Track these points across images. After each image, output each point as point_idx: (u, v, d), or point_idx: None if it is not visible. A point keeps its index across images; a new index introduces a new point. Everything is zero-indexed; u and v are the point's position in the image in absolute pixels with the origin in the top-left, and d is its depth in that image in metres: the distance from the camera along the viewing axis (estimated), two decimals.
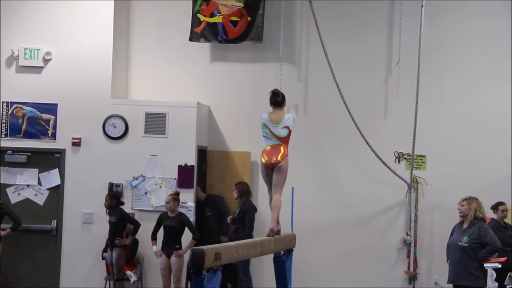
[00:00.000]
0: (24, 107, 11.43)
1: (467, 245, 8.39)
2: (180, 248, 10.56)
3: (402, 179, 11.58)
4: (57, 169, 11.38)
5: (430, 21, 11.52)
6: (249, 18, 11.60)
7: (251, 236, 10.59)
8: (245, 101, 11.98)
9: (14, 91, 11.40)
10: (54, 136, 11.40)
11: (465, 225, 8.59)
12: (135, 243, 10.99)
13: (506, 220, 10.70)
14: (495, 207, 10.64)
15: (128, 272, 10.79)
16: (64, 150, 11.37)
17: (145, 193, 11.23)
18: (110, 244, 10.65)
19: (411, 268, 11.58)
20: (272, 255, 7.68)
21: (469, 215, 8.55)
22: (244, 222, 10.67)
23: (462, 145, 11.64)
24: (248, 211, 10.70)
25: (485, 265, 8.57)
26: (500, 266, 9.16)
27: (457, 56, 11.72)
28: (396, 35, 11.68)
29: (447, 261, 8.90)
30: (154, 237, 10.64)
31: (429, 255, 11.50)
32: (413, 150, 11.42)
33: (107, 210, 10.71)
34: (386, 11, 11.80)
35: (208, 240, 10.54)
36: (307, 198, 11.50)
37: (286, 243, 7.79)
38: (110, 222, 10.68)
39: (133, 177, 11.25)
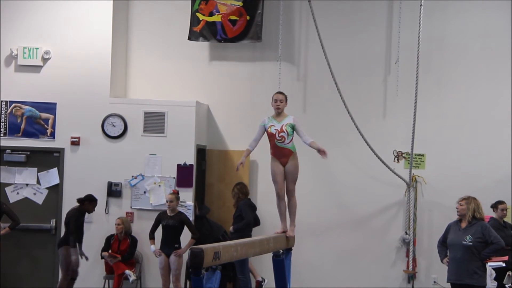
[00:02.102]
0: (23, 106, 11.42)
1: (471, 244, 8.37)
2: (180, 247, 10.56)
3: (401, 178, 11.58)
4: (56, 168, 11.38)
5: (429, 21, 11.52)
6: (248, 17, 11.59)
7: (249, 231, 10.59)
8: (244, 100, 11.98)
9: (13, 90, 11.40)
10: (53, 135, 11.40)
11: (464, 225, 8.57)
12: (134, 242, 10.99)
13: (505, 219, 10.70)
14: (494, 206, 10.64)
15: (127, 271, 10.79)
16: (63, 149, 11.37)
17: (144, 192, 11.23)
18: (76, 242, 10.49)
19: (410, 267, 11.59)
20: (271, 254, 7.68)
21: (467, 215, 8.53)
22: (242, 218, 10.68)
23: (461, 144, 11.64)
24: (242, 207, 10.69)
25: (489, 264, 8.56)
26: (504, 265, 9.16)
27: (457, 55, 11.72)
28: (395, 34, 11.68)
29: (442, 260, 8.85)
30: (152, 236, 10.64)
31: (428, 254, 11.49)
32: (412, 149, 11.43)
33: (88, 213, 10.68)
34: (385, 10, 11.79)
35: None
36: (306, 197, 11.45)
37: (285, 242, 7.79)
38: (82, 223, 10.60)
39: (132, 176, 11.25)
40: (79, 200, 10.48)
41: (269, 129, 7.71)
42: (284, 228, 7.85)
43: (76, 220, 10.40)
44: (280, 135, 7.67)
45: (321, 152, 7.71)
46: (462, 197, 8.71)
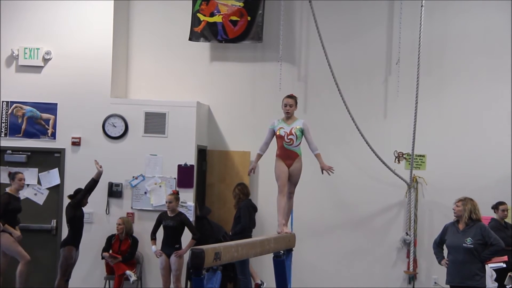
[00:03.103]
0: (24, 107, 11.43)
1: (472, 246, 8.35)
2: (180, 247, 10.57)
3: (402, 178, 11.58)
4: (56, 168, 11.39)
5: (430, 21, 11.53)
6: (249, 18, 11.60)
7: (248, 233, 10.59)
8: (245, 101, 11.98)
9: (14, 91, 11.40)
10: (53, 135, 11.41)
11: (461, 226, 8.54)
12: (135, 242, 10.99)
13: (506, 220, 10.70)
14: (495, 207, 10.65)
15: (128, 272, 10.79)
16: (64, 149, 11.38)
17: (145, 192, 11.23)
18: (78, 243, 10.33)
19: (411, 268, 11.59)
20: (272, 255, 7.68)
21: (463, 216, 8.50)
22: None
23: (461, 145, 11.64)
24: (242, 209, 10.70)
25: (490, 265, 8.53)
26: (505, 266, 9.13)
27: (457, 56, 11.73)
28: (396, 34, 11.68)
29: (440, 262, 8.81)
30: (153, 237, 10.65)
31: (429, 254, 11.42)
32: (412, 149, 11.43)
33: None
34: (386, 11, 11.80)
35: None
36: (307, 197, 11.48)
37: (286, 243, 7.79)
38: (82, 217, 10.40)
39: (133, 177, 11.25)
40: (70, 196, 10.39)
41: (278, 132, 7.80)
42: (281, 222, 7.89)
43: (75, 213, 10.28)
44: (289, 137, 7.77)
45: (325, 170, 7.83)
46: (459, 198, 8.67)
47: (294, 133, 7.78)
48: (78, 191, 10.37)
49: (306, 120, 7.98)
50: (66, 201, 11.04)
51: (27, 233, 11.21)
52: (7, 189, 10.41)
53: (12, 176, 10.38)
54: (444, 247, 8.76)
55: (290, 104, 7.88)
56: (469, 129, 11.66)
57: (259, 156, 7.93)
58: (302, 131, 7.83)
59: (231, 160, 11.78)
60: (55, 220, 11.35)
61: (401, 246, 11.69)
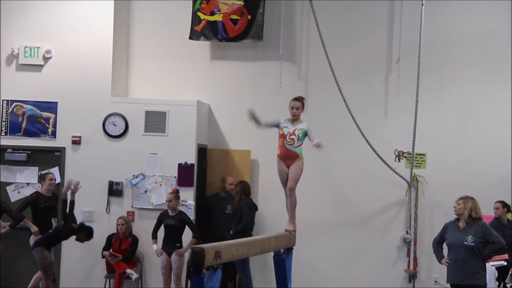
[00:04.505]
0: (24, 105, 11.43)
1: (473, 244, 8.36)
2: (181, 246, 10.57)
3: (402, 177, 11.58)
4: (57, 167, 11.38)
5: (431, 20, 11.53)
6: (249, 17, 11.59)
7: (249, 233, 10.60)
8: (245, 100, 11.96)
9: (14, 89, 11.41)
10: (54, 134, 11.41)
11: (462, 224, 8.55)
12: (135, 241, 10.99)
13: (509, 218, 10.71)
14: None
15: (129, 271, 10.79)
16: (64, 148, 11.38)
17: (145, 191, 11.23)
18: (50, 247, 10.08)
19: (411, 267, 11.59)
20: (272, 254, 7.69)
21: (464, 214, 8.52)
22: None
23: (462, 144, 11.64)
24: (244, 208, 10.71)
25: (491, 263, 8.52)
26: (506, 264, 9.12)
27: (458, 55, 11.72)
28: (396, 33, 11.68)
29: (440, 261, 8.81)
30: (154, 236, 10.66)
31: (429, 253, 11.39)
32: (413, 148, 11.43)
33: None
34: (386, 10, 11.79)
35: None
36: (307, 196, 11.43)
37: (286, 242, 7.80)
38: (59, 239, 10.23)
39: (133, 176, 11.25)
40: (76, 226, 10.00)
41: (281, 130, 7.83)
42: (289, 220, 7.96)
43: (65, 235, 10.04)
44: (290, 137, 7.79)
45: (316, 144, 7.74)
46: (460, 197, 8.70)
47: (296, 134, 7.80)
48: (88, 229, 10.03)
49: (310, 123, 7.94)
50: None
51: (27, 232, 11.19)
52: (39, 189, 10.54)
53: (43, 177, 10.55)
54: (444, 245, 8.78)
55: (297, 107, 7.90)
56: (470, 128, 11.66)
57: (260, 121, 7.98)
58: (305, 134, 7.83)
59: (231, 159, 11.77)
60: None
61: (402, 244, 11.69)
